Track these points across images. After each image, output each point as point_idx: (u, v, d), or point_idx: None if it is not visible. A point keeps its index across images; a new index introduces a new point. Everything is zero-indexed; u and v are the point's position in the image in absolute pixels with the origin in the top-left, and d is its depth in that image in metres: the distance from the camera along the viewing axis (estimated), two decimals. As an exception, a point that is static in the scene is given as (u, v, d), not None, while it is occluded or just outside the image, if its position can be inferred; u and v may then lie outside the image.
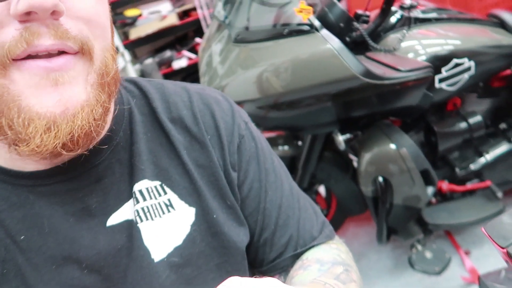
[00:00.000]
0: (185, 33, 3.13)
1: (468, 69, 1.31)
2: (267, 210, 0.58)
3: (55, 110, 0.37)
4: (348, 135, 1.40)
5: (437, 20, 1.35)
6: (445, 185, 1.56)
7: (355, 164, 1.55)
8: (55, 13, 0.36)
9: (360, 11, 1.29)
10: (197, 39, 3.07)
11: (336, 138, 1.38)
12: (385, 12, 1.25)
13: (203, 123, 0.54)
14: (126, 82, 0.57)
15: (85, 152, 0.43)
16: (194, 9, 2.94)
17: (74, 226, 0.46)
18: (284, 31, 1.10)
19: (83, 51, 0.39)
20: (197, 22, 2.93)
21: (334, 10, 1.22)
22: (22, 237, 0.44)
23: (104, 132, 0.48)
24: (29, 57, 0.36)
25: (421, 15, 1.35)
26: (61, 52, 0.38)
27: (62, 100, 0.37)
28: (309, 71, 1.11)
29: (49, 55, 0.37)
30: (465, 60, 1.28)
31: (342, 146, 1.38)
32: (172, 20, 2.90)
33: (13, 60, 0.36)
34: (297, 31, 1.09)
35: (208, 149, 0.53)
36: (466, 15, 1.43)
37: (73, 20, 0.38)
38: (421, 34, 1.31)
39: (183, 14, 3.00)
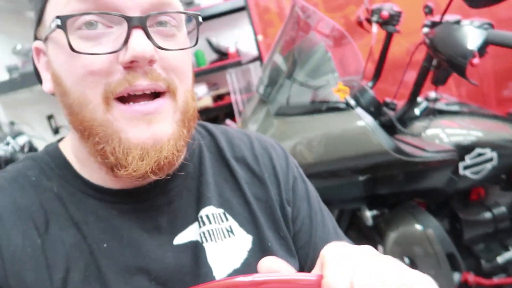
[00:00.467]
0: (217, 115, 3.36)
1: (491, 159, 1.38)
2: (317, 245, 0.63)
3: (148, 142, 0.46)
4: (375, 212, 1.43)
5: (459, 113, 1.47)
6: (471, 277, 1.52)
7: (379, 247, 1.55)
8: (151, 62, 0.46)
9: (388, 99, 1.43)
10: (228, 121, 3.28)
11: (364, 213, 1.42)
12: (412, 101, 1.39)
13: (263, 163, 0.64)
14: (197, 125, 0.67)
15: (165, 177, 0.52)
16: (227, 93, 3.21)
17: (147, 241, 0.53)
18: (323, 107, 1.23)
19: (169, 90, 0.49)
20: (229, 106, 3.16)
21: (365, 95, 1.37)
22: (105, 245, 0.51)
23: (180, 161, 0.57)
24: (128, 96, 0.47)
25: (444, 107, 1.47)
26: (154, 94, 0.48)
27: (153, 135, 0.47)
28: (342, 144, 1.21)
29: (143, 96, 0.47)
30: (488, 150, 1.37)
31: (369, 222, 1.41)
32: (207, 102, 3.15)
33: (115, 98, 0.46)
34: (334, 108, 1.22)
35: (266, 185, 0.62)
36: (487, 111, 1.55)
37: (164, 66, 0.48)
38: (445, 124, 1.42)
39: (217, 98, 3.26)
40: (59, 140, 0.59)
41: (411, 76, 1.39)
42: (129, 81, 0.45)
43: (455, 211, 1.45)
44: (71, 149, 0.56)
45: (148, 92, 0.47)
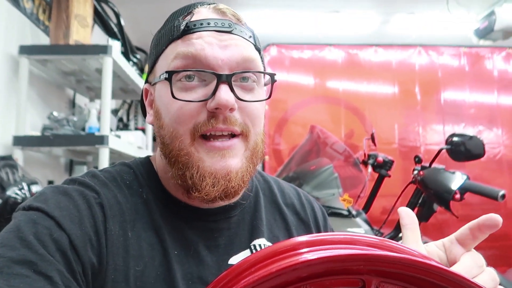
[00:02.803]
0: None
1: None
2: None
3: (220, 172, 0.56)
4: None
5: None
6: None
7: None
8: (231, 110, 0.56)
9: (375, 227, 1.64)
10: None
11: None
12: (397, 231, 1.59)
13: (308, 212, 0.76)
14: None
15: (230, 204, 0.62)
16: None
17: (207, 256, 0.60)
18: (328, 211, 1.41)
19: (243, 134, 0.59)
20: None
21: (361, 216, 1.58)
22: (176, 252, 0.59)
23: (243, 192, 0.65)
24: (210, 135, 0.57)
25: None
26: (230, 134, 0.58)
27: (225, 167, 0.56)
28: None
29: (222, 136, 0.57)
30: None
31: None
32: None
33: (200, 135, 0.57)
34: (337, 214, 1.41)
35: (310, 229, 0.74)
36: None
37: (241, 114, 0.58)
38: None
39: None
40: (148, 156, 0.69)
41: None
42: (212, 124, 0.56)
43: None
44: (158, 168, 0.66)
45: (225, 133, 0.57)
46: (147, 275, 0.56)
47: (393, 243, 0.40)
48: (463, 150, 1.34)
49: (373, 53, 3.43)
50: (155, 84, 0.62)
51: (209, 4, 0.62)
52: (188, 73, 0.57)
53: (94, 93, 2.52)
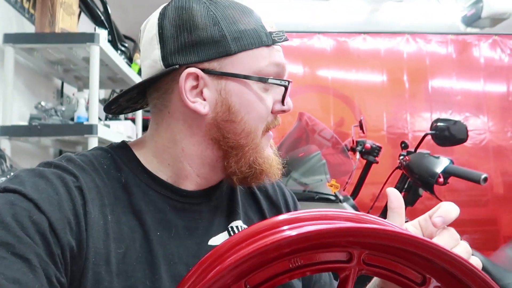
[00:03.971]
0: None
1: None
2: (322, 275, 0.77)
3: (272, 157, 0.67)
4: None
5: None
6: None
7: None
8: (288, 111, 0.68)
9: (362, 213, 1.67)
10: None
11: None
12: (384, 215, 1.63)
13: (279, 196, 0.80)
14: None
15: (211, 186, 0.67)
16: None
17: (188, 238, 0.62)
18: (316, 196, 1.44)
19: None
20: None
21: (349, 202, 1.61)
22: (158, 233, 0.60)
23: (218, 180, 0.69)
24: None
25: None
26: None
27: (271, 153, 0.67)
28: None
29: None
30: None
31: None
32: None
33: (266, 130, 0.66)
34: (324, 199, 1.43)
35: (281, 212, 0.77)
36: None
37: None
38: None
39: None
40: (123, 141, 0.69)
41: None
42: (277, 122, 0.67)
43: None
44: (144, 152, 0.67)
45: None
46: (129, 256, 0.56)
47: (371, 216, 0.42)
48: (447, 135, 1.37)
49: (361, 41, 3.44)
50: (223, 76, 0.61)
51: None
52: (283, 82, 0.64)
53: (82, 83, 2.49)
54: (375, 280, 0.61)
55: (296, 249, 0.37)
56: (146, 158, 0.66)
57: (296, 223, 0.38)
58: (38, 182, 0.54)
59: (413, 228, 0.52)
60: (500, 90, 3.50)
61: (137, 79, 2.45)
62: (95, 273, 0.54)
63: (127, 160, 0.65)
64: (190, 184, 0.65)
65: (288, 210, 0.78)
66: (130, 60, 2.43)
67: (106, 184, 0.60)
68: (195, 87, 0.62)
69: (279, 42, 0.65)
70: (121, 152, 0.66)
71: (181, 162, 0.65)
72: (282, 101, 0.66)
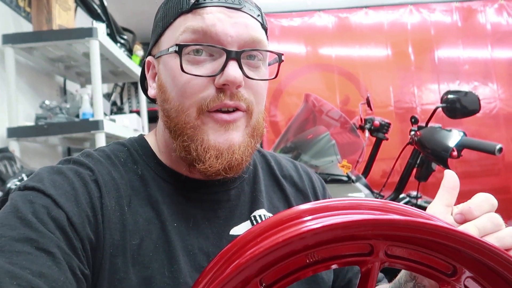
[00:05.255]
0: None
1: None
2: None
3: (223, 146, 0.57)
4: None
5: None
6: None
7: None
8: (238, 86, 0.57)
9: (376, 191, 1.66)
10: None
11: None
12: (397, 194, 1.61)
13: (306, 182, 0.77)
14: None
15: (231, 177, 0.60)
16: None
17: (207, 228, 0.61)
18: (328, 178, 1.43)
19: (248, 111, 0.60)
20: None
21: (361, 181, 1.59)
22: (175, 224, 0.59)
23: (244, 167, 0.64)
24: (217, 110, 0.58)
25: (424, 204, 1.70)
26: (235, 109, 0.59)
27: (228, 140, 0.57)
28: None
29: (227, 111, 0.58)
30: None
31: None
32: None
33: (207, 111, 0.57)
34: (337, 180, 1.42)
35: (308, 199, 0.75)
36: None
37: (247, 91, 0.59)
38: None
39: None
40: (141, 135, 0.70)
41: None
42: (220, 99, 0.57)
43: None
44: (156, 143, 0.67)
45: (231, 109, 0.59)
46: (145, 248, 0.56)
47: (396, 204, 0.40)
48: (458, 107, 1.34)
49: (363, 15, 3.36)
50: (159, 57, 0.62)
51: None
52: (198, 47, 0.57)
53: (84, 79, 2.48)
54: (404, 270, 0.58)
55: (317, 243, 0.35)
56: (160, 149, 0.66)
57: (320, 213, 0.36)
58: (55, 179, 0.55)
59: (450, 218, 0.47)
60: (509, 56, 3.42)
61: (139, 71, 2.43)
62: (112, 264, 0.54)
63: (142, 153, 0.65)
64: (198, 173, 0.62)
65: (316, 196, 0.76)
66: (130, 52, 2.41)
67: (122, 176, 0.61)
68: (154, 74, 0.65)
69: (204, 4, 0.57)
70: (137, 145, 0.67)
71: (173, 151, 0.63)
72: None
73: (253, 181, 0.70)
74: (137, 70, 2.44)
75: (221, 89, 0.57)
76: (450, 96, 1.36)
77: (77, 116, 1.94)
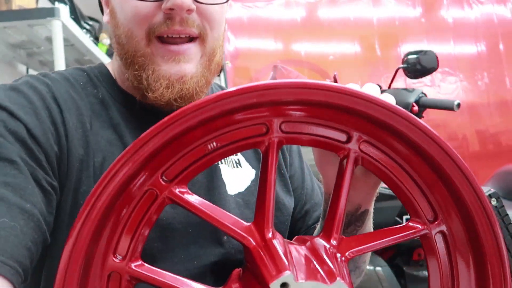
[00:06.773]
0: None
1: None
2: (307, 189, 0.77)
3: (174, 77, 0.57)
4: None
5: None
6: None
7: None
8: (188, 11, 0.55)
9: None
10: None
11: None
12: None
13: None
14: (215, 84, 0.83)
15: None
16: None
17: None
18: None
19: (200, 37, 0.58)
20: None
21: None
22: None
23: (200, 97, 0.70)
24: (167, 37, 0.57)
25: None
26: (188, 38, 0.58)
27: (180, 71, 0.57)
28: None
29: (179, 38, 0.57)
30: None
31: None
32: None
33: (155, 37, 0.57)
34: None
35: None
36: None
37: (199, 15, 0.58)
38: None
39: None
40: (101, 62, 0.70)
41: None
42: (168, 25, 0.55)
43: (400, 265, 1.58)
44: (114, 70, 0.67)
45: (183, 36, 0.57)
46: (107, 166, 0.55)
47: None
48: (419, 68, 1.39)
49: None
50: None
51: None
52: None
53: (48, 68, 2.43)
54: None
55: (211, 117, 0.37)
56: (118, 76, 0.66)
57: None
58: (11, 95, 0.54)
59: None
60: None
61: (106, 60, 2.39)
62: (78, 178, 0.54)
63: (102, 78, 0.65)
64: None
65: None
66: (96, 39, 2.38)
67: (82, 98, 0.60)
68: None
69: None
70: (97, 71, 0.66)
71: (126, 80, 0.62)
72: None
73: None
74: (105, 59, 2.41)
75: (169, 14, 0.55)
76: (410, 56, 1.41)
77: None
